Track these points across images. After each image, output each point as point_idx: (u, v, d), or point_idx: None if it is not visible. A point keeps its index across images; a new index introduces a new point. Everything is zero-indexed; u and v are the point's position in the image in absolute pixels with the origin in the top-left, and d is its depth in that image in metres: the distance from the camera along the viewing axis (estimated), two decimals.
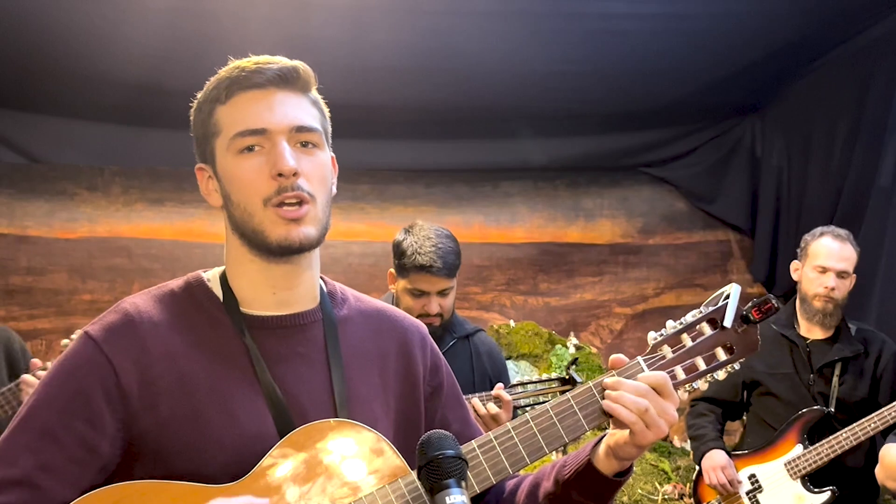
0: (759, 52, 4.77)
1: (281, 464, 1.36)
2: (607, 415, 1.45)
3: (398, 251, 2.91)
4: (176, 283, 1.51)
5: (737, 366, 1.54)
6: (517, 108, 5.19)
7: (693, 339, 1.52)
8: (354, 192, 5.44)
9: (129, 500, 1.31)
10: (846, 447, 3.34)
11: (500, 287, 5.74)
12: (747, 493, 3.54)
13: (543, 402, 2.94)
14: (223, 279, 1.50)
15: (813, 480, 3.45)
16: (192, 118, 1.51)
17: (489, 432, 1.47)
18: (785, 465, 3.47)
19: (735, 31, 4.53)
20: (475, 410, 2.79)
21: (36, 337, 4.95)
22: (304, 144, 1.44)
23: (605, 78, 4.85)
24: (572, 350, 5.45)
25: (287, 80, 1.45)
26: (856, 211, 4.67)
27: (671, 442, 5.17)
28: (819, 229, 3.65)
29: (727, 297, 1.55)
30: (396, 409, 1.54)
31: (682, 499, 4.85)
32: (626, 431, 1.44)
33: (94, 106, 4.82)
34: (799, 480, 3.45)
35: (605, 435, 1.49)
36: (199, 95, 1.50)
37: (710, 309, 1.54)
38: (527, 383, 3.00)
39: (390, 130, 5.26)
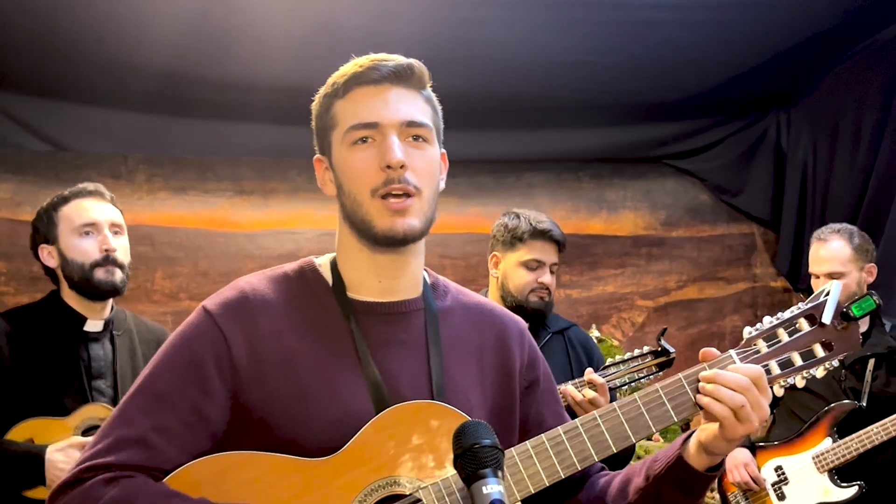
0: (786, 43, 4.73)
1: (373, 440, 1.42)
2: (698, 407, 1.46)
3: (509, 227, 2.98)
4: (290, 266, 1.59)
5: (835, 363, 1.53)
6: (541, 99, 5.16)
7: (790, 335, 1.52)
8: None
9: (233, 468, 1.40)
10: (876, 442, 3.31)
11: None
12: (773, 485, 3.52)
13: (640, 379, 2.94)
14: (333, 265, 1.58)
15: (841, 475, 3.43)
16: (313, 112, 1.59)
17: (576, 419, 1.49)
18: (813, 458, 3.45)
19: (762, 23, 4.48)
20: (571, 398, 2.77)
21: None
22: (415, 139, 1.51)
23: (630, 69, 4.82)
24: None
25: (401, 77, 1.52)
26: (881, 205, 4.63)
27: None
28: (814, 234, 3.67)
29: (827, 293, 1.55)
30: (493, 400, 1.58)
31: None
32: (717, 425, 1.44)
33: (119, 94, 4.82)
34: (826, 474, 3.43)
35: (695, 430, 1.50)
36: (320, 90, 1.57)
37: (809, 305, 1.54)
38: (619, 363, 2.95)
39: None
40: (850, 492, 3.39)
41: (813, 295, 1.56)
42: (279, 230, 5.37)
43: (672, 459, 1.49)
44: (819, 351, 1.52)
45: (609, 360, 3.00)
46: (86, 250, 2.71)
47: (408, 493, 1.41)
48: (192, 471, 1.39)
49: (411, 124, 1.49)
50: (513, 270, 2.95)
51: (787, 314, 1.53)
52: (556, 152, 5.71)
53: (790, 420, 3.60)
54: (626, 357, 3.01)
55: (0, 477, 2.51)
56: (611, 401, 2.74)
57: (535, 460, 1.45)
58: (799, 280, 5.48)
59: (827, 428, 3.45)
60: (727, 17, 4.38)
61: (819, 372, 1.52)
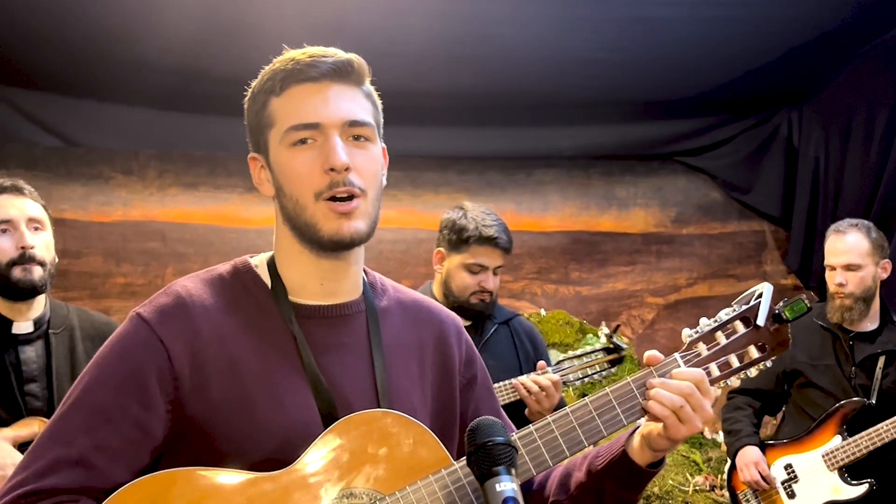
0: (798, 40, 4.72)
1: (327, 452, 1.38)
2: (645, 411, 1.48)
3: (456, 227, 2.92)
4: (224, 267, 1.53)
5: (769, 363, 1.57)
6: (551, 96, 5.15)
7: (727, 337, 1.56)
8: (386, 179, 5.43)
9: (177, 486, 1.32)
10: (886, 440, 3.30)
11: (531, 275, 5.72)
12: (783, 483, 3.52)
13: (593, 375, 2.97)
14: (271, 266, 1.52)
15: (851, 472, 3.42)
16: (245, 107, 1.52)
17: (530, 425, 1.49)
18: (823, 455, 3.44)
19: (774, 20, 4.47)
20: (525, 389, 2.81)
21: None
22: (357, 138, 1.45)
23: (641, 65, 4.81)
24: (603, 340, 5.43)
25: (341, 74, 1.45)
26: (893, 202, 4.62)
27: (702, 433, 5.14)
28: (831, 227, 3.65)
29: (759, 295, 1.58)
30: (433, 399, 1.57)
31: (713, 490, 4.83)
32: (660, 424, 1.47)
33: (131, 90, 4.84)
34: (836, 472, 3.42)
35: (638, 427, 1.52)
36: (253, 85, 1.51)
37: (744, 307, 1.58)
38: (573, 357, 3.01)
39: (424, 117, 5.25)
40: (861, 490, 3.39)
41: (743, 296, 1.60)
42: None
43: (616, 455, 1.51)
44: (753, 352, 1.56)
45: (562, 356, 3.05)
46: (2, 249, 2.56)
47: None
48: (134, 490, 1.31)
49: (353, 123, 1.44)
50: (456, 271, 2.92)
51: (723, 316, 1.56)
52: (566, 149, 5.70)
53: (800, 418, 3.59)
54: (578, 353, 3.06)
55: None
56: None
57: None
58: (810, 278, 5.47)
59: (836, 425, 3.45)
60: (739, 14, 4.37)
61: (752, 372, 1.56)
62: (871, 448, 3.34)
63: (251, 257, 1.56)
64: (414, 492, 1.38)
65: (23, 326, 2.62)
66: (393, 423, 1.42)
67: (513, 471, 1.27)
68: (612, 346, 3.07)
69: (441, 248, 2.99)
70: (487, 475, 1.26)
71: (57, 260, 2.70)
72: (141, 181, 5.20)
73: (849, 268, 3.49)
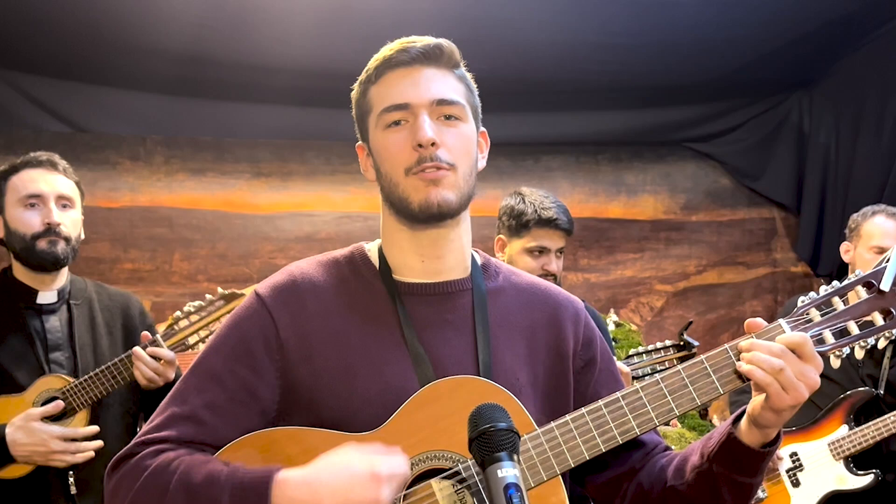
0: (809, 25, 4.68)
1: (415, 415, 1.44)
2: (742, 377, 1.44)
3: (515, 212, 2.92)
4: (341, 252, 1.64)
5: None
6: (560, 81, 5.13)
7: (845, 303, 1.46)
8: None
9: (278, 443, 1.45)
10: (893, 430, 3.27)
11: None
12: (787, 472, 3.50)
13: (661, 371, 2.97)
14: (380, 249, 1.62)
15: (857, 462, 3.40)
16: (353, 99, 1.61)
17: (615, 392, 1.48)
18: (828, 445, 3.42)
19: (786, 5, 4.43)
20: None
21: None
22: (447, 118, 1.52)
23: (650, 51, 4.78)
24: (612, 327, 5.42)
25: (430, 57, 1.53)
26: None
27: (710, 421, 5.13)
28: (870, 208, 3.58)
29: (888, 259, 1.48)
30: (543, 380, 1.58)
31: None
32: (763, 396, 1.42)
33: (138, 76, 4.83)
34: (842, 461, 3.40)
35: (745, 407, 1.48)
36: (360, 77, 1.60)
37: (869, 272, 1.47)
38: (643, 353, 3.02)
39: None
40: (866, 480, 3.37)
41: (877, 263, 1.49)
42: (297, 212, 5.38)
43: (724, 437, 1.46)
44: (878, 319, 1.45)
45: (633, 350, 3.04)
46: (28, 222, 2.63)
47: (448, 467, 1.43)
48: (240, 445, 1.45)
49: (442, 102, 1.51)
50: (518, 257, 2.92)
51: (843, 282, 1.46)
52: (575, 135, 5.68)
53: (806, 406, 3.53)
54: (649, 348, 3.05)
55: None
56: None
57: (576, 433, 1.45)
58: (819, 265, 5.44)
59: (843, 415, 3.43)
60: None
61: (881, 342, 1.46)
62: (878, 438, 3.31)
63: (366, 243, 1.65)
64: None
65: (47, 296, 2.70)
66: (481, 388, 1.45)
67: (515, 456, 1.26)
68: (682, 342, 3.05)
69: (502, 236, 3.00)
70: (489, 461, 1.25)
71: (83, 237, 2.78)
72: (148, 167, 5.21)
73: None
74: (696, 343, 3.02)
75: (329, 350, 1.49)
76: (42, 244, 2.63)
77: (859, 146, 5.12)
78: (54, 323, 2.68)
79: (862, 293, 1.46)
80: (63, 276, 2.74)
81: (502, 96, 5.17)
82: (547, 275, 2.88)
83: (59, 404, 2.53)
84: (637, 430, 1.46)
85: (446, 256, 1.57)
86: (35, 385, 2.59)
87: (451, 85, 1.54)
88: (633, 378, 2.90)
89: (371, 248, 1.63)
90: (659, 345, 3.06)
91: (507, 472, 1.23)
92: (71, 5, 4.17)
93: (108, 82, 4.96)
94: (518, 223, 2.91)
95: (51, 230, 2.63)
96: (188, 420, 1.46)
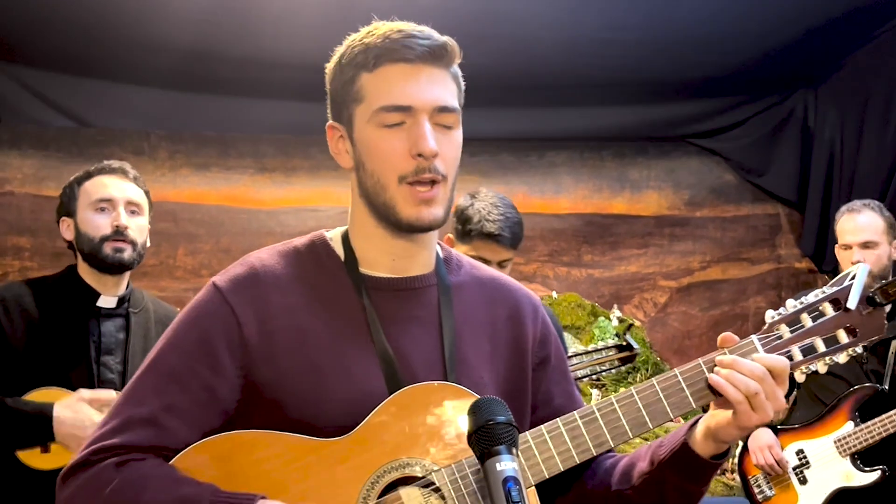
0: (814, 21, 4.66)
1: (385, 421, 1.40)
2: (714, 392, 1.42)
3: (462, 217, 2.86)
4: (300, 240, 1.57)
5: (859, 349, 1.48)
6: (564, 76, 5.12)
7: (813, 320, 1.47)
8: None
9: (243, 447, 1.38)
10: None
11: (543, 258, 5.71)
12: (794, 469, 3.50)
13: (602, 372, 2.95)
14: (345, 239, 1.55)
15: (863, 459, 3.40)
16: (329, 74, 1.53)
17: (592, 404, 1.46)
18: (834, 441, 3.42)
19: (790, 1, 4.41)
20: None
21: None
22: (444, 125, 1.46)
23: (655, 46, 4.77)
24: (615, 323, 5.42)
25: (435, 57, 1.47)
26: None
27: None
28: (844, 206, 3.62)
29: (853, 277, 1.49)
30: (504, 377, 1.56)
31: (724, 474, 4.82)
32: (730, 412, 1.41)
33: (142, 71, 4.84)
34: (848, 458, 3.40)
35: (701, 416, 1.47)
36: (339, 52, 1.52)
37: (834, 289, 1.49)
38: (583, 353, 3.00)
39: None
40: (873, 476, 3.36)
41: (837, 278, 1.51)
42: (301, 207, 5.38)
43: (677, 445, 1.46)
44: (843, 337, 1.47)
45: (572, 350, 3.02)
46: (98, 225, 2.71)
47: (420, 475, 1.39)
48: (201, 449, 1.38)
49: (443, 110, 1.45)
50: None
51: (811, 298, 1.48)
52: (578, 130, 5.67)
53: (812, 403, 3.57)
54: (589, 349, 3.05)
55: (9, 433, 2.52)
56: None
57: (551, 444, 1.43)
58: (824, 261, 5.43)
59: (849, 411, 3.42)
60: None
61: (842, 358, 1.48)
62: (884, 434, 3.31)
63: (327, 231, 1.59)
64: (469, 464, 1.38)
65: (108, 301, 2.77)
66: (452, 394, 1.42)
67: (514, 450, 1.26)
68: (624, 343, 3.04)
69: (450, 235, 2.97)
70: (488, 454, 1.25)
71: (149, 244, 2.86)
72: (152, 162, 5.21)
73: (866, 245, 3.48)
74: (637, 346, 3.01)
75: (294, 348, 1.43)
76: (108, 248, 2.70)
77: (864, 142, 5.10)
78: (110, 327, 2.74)
79: (829, 310, 1.48)
80: (125, 283, 2.81)
81: (506, 91, 5.17)
82: None
83: (110, 392, 2.57)
84: (612, 443, 1.44)
85: (417, 256, 1.53)
86: (95, 391, 2.61)
87: (450, 88, 1.48)
88: (577, 378, 2.87)
89: (333, 237, 1.57)
90: (601, 345, 3.06)
91: (506, 465, 1.23)
92: (75, 1, 4.16)
93: (112, 77, 4.96)
94: (463, 229, 2.84)
95: (119, 233, 2.71)
96: (147, 424, 1.38)
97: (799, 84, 5.60)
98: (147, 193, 2.86)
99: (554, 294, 5.50)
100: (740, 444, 3.68)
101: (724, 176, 5.83)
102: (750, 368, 1.40)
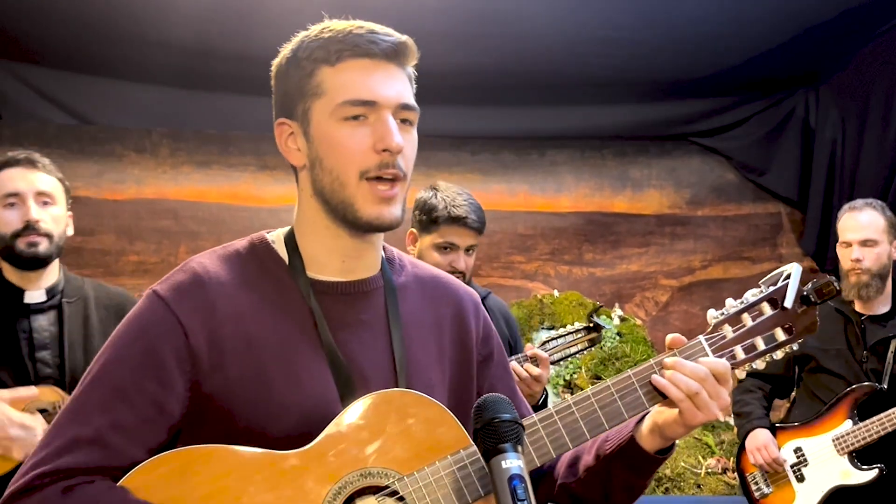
0: (815, 20, 4.66)
1: (346, 431, 1.37)
2: (661, 392, 1.45)
3: (426, 207, 2.90)
4: (240, 243, 1.51)
5: (795, 346, 1.54)
6: (565, 75, 5.12)
7: (753, 319, 1.52)
8: None
9: (196, 463, 1.33)
10: None
11: (544, 256, 5.71)
12: (792, 467, 3.51)
13: (575, 354, 3.01)
14: (289, 241, 1.50)
15: (861, 457, 3.40)
16: (280, 70, 1.49)
17: (550, 407, 1.47)
18: (833, 440, 3.43)
19: (791, 0, 4.42)
20: (516, 374, 2.79)
21: None
22: (404, 122, 1.44)
23: (656, 44, 4.77)
24: (616, 322, 5.42)
25: (397, 55, 1.45)
26: None
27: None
28: (846, 205, 3.63)
29: (787, 276, 1.54)
30: (451, 376, 1.56)
31: (724, 473, 4.83)
32: (676, 410, 1.44)
33: (144, 68, 4.84)
34: (846, 456, 3.41)
35: (649, 411, 1.49)
36: (292, 48, 1.48)
37: (771, 289, 1.54)
38: (556, 338, 3.03)
39: (437, 96, 5.18)
40: (870, 475, 3.37)
41: (770, 276, 1.56)
42: None
43: (624, 441, 1.49)
44: (780, 335, 1.53)
45: (546, 336, 3.06)
46: (8, 221, 2.61)
47: (384, 484, 1.37)
48: (153, 466, 1.32)
49: (405, 107, 1.43)
50: (427, 252, 2.88)
51: (750, 298, 1.54)
52: (580, 129, 5.66)
53: (810, 401, 3.58)
54: (560, 332, 3.07)
55: None
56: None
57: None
58: (826, 261, 5.43)
59: (847, 410, 3.43)
60: None
61: (779, 355, 1.53)
62: (882, 433, 3.32)
63: (268, 232, 1.54)
64: (432, 472, 1.37)
65: (35, 296, 2.68)
66: (412, 402, 1.40)
67: (519, 448, 1.26)
68: (592, 324, 3.07)
69: (413, 229, 2.98)
70: (493, 452, 1.25)
71: (71, 232, 2.75)
72: (154, 159, 5.22)
73: (865, 243, 3.49)
74: (606, 325, 3.05)
75: (242, 356, 1.38)
76: (21, 244, 2.61)
77: (865, 142, 5.09)
78: (42, 322, 2.65)
79: (766, 309, 1.53)
80: (52, 274, 2.71)
81: (507, 90, 5.18)
82: (455, 272, 2.84)
83: (31, 389, 2.46)
84: (570, 445, 1.45)
85: (367, 256, 1.50)
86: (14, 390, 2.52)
87: (408, 87, 1.46)
88: (551, 363, 2.93)
89: (275, 239, 1.51)
90: (570, 328, 3.07)
91: (512, 463, 1.24)
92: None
93: (114, 75, 4.97)
94: (428, 218, 2.88)
95: (30, 227, 2.60)
96: (93, 444, 1.32)
97: (800, 83, 5.59)
98: (61, 181, 2.73)
99: (555, 292, 5.50)
100: (739, 442, 3.69)
101: (725, 175, 5.83)
102: (692, 370, 1.44)
